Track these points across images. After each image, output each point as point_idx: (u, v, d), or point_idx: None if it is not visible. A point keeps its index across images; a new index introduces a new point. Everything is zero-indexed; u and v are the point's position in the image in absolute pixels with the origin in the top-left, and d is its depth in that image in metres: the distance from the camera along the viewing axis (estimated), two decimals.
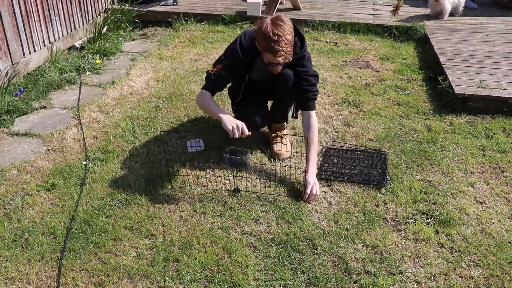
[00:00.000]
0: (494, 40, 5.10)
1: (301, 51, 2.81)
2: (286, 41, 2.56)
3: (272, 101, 3.20)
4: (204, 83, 2.89)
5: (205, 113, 2.84)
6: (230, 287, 2.09)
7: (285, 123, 3.19)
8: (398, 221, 2.50)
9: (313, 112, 2.86)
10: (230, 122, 2.62)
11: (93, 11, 5.52)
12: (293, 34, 2.66)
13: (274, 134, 3.13)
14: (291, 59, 2.69)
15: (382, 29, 5.65)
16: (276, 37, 2.54)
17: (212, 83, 2.85)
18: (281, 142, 3.09)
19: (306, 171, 2.71)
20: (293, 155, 3.07)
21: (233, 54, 2.80)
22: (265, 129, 3.31)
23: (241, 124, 2.61)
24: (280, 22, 2.58)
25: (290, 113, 3.23)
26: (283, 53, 2.58)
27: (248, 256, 2.25)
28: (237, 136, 2.59)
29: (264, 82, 3.02)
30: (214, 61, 2.95)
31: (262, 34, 2.58)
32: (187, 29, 5.78)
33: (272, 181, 2.81)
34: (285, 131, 3.19)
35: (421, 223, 2.48)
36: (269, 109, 3.21)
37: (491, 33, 5.37)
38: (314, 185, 2.64)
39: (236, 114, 3.10)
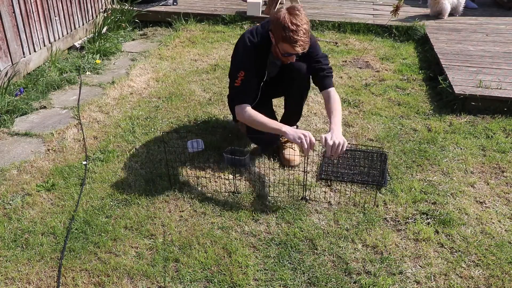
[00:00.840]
0: (494, 40, 5.10)
1: (311, 39, 2.74)
2: (304, 31, 2.53)
3: (284, 101, 3.09)
4: (236, 97, 2.73)
5: (259, 129, 2.70)
6: (230, 287, 2.09)
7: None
8: (398, 221, 2.50)
9: (332, 89, 2.80)
10: (296, 133, 2.50)
11: (93, 11, 5.52)
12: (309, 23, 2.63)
13: (284, 140, 3.04)
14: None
15: (382, 29, 5.65)
16: (295, 27, 2.51)
17: (246, 94, 2.71)
18: (292, 148, 3.01)
19: (330, 126, 2.58)
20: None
21: (250, 54, 2.70)
22: None
23: (308, 134, 2.49)
24: (297, 12, 2.56)
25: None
26: (301, 43, 2.54)
27: (248, 256, 2.25)
28: (306, 146, 2.46)
29: (275, 81, 2.97)
30: (228, 73, 2.87)
31: (281, 25, 2.53)
32: (187, 29, 5.78)
33: (272, 181, 2.81)
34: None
35: (421, 223, 2.48)
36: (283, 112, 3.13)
37: (491, 33, 5.37)
38: (336, 138, 2.47)
39: (248, 130, 2.93)
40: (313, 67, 2.83)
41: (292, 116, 3.11)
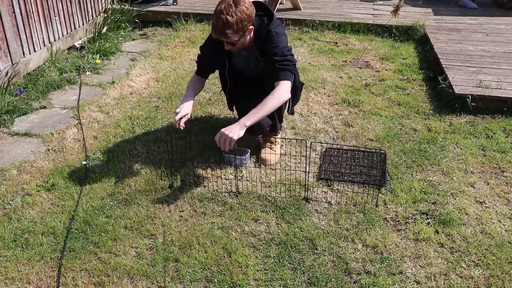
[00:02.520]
0: (494, 40, 5.10)
1: (266, 27, 2.71)
2: (225, 21, 2.53)
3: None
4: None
5: None
6: (230, 287, 2.09)
7: (276, 132, 3.05)
8: (398, 221, 2.50)
9: (281, 83, 2.62)
10: (177, 112, 2.72)
11: (93, 11, 5.52)
12: (249, 16, 2.58)
13: (263, 140, 3.09)
14: (233, 42, 2.63)
15: (382, 29, 5.65)
16: (217, 14, 2.56)
17: (198, 67, 3.00)
18: (270, 148, 3.02)
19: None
20: (293, 155, 3.07)
21: (207, 39, 2.98)
22: None
23: (179, 117, 2.69)
24: (231, 3, 2.55)
25: (285, 111, 3.08)
26: (215, 28, 2.60)
27: (248, 256, 2.25)
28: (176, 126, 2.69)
29: (249, 74, 2.95)
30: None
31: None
32: (187, 29, 5.78)
33: (272, 181, 2.81)
34: (278, 136, 3.09)
35: (421, 223, 2.48)
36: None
37: (491, 33, 5.37)
38: (223, 131, 2.50)
39: (237, 111, 3.14)
40: (268, 60, 2.70)
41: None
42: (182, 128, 2.71)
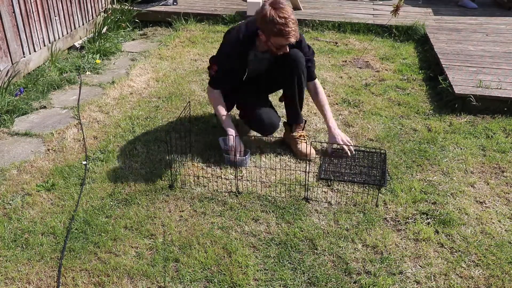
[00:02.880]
0: (494, 40, 5.10)
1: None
2: (293, 21, 2.66)
3: (284, 94, 3.14)
4: (211, 82, 3.06)
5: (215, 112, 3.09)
6: (230, 287, 2.09)
7: (302, 123, 3.17)
8: (398, 221, 2.50)
9: (316, 80, 3.10)
10: (228, 138, 2.88)
11: (93, 11, 5.52)
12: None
13: (297, 135, 3.08)
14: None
15: (382, 29, 5.65)
16: (283, 19, 2.62)
17: (217, 83, 3.03)
18: (306, 143, 3.06)
19: (328, 127, 3.04)
20: (293, 155, 3.07)
21: (231, 52, 2.90)
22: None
23: (238, 149, 2.88)
24: (280, 5, 2.67)
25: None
26: (294, 33, 2.67)
27: (248, 256, 2.25)
28: (231, 159, 2.89)
29: (260, 74, 3.09)
30: (211, 57, 3.12)
31: (269, 21, 2.64)
32: (187, 29, 5.78)
33: (272, 181, 2.81)
34: (304, 133, 3.15)
35: (421, 223, 2.48)
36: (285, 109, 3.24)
37: (491, 33, 5.37)
38: (340, 135, 2.99)
39: (246, 118, 3.18)
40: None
41: (296, 107, 3.10)
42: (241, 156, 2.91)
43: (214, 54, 3.10)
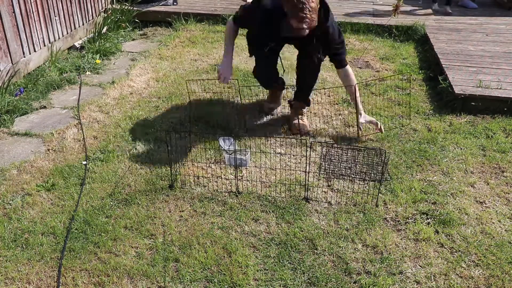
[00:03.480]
0: (494, 40, 5.09)
1: (326, 22, 2.96)
2: (310, 9, 2.70)
3: (297, 78, 3.43)
4: (236, 16, 3.27)
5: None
6: (230, 287, 2.09)
7: (306, 107, 3.44)
8: (398, 221, 2.50)
9: (347, 67, 3.24)
10: (221, 68, 3.22)
11: (93, 11, 5.52)
12: (318, 2, 2.80)
13: (294, 111, 3.40)
14: (315, 26, 2.82)
15: (382, 29, 5.65)
16: (301, 4, 2.68)
17: (239, 21, 3.23)
18: (301, 120, 3.33)
19: (359, 114, 3.25)
20: (293, 155, 3.07)
21: (259, 11, 3.03)
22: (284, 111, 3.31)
23: (223, 76, 3.19)
24: None
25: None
26: (307, 20, 2.72)
27: (248, 256, 2.25)
28: (219, 81, 3.24)
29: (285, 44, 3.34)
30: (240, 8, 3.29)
31: (289, 1, 2.73)
32: (187, 29, 5.78)
33: (272, 181, 2.81)
34: (305, 111, 3.44)
35: (421, 223, 2.48)
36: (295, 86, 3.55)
37: (491, 33, 5.37)
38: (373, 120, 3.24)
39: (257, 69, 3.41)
40: (329, 49, 3.14)
41: (300, 97, 3.44)
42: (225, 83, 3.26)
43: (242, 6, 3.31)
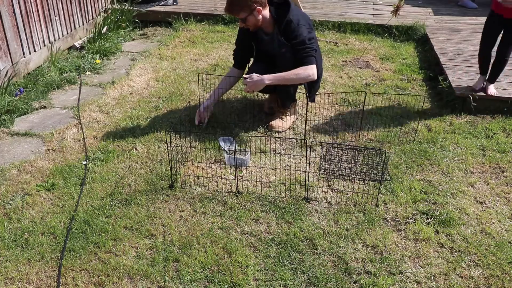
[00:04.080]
0: None
1: (286, 17, 3.12)
2: None
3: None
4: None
5: None
6: (230, 287, 2.09)
7: (288, 108, 3.46)
8: (398, 221, 2.50)
9: (307, 66, 3.12)
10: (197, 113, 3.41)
11: (93, 11, 5.52)
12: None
13: (276, 111, 3.49)
14: (243, 19, 3.11)
15: (382, 29, 5.65)
16: None
17: (234, 61, 3.53)
18: (280, 118, 3.41)
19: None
20: (293, 155, 3.07)
21: (239, 32, 3.42)
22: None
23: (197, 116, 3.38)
24: None
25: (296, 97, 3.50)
26: (227, 6, 3.11)
27: (248, 256, 2.25)
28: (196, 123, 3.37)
29: (271, 55, 3.28)
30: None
31: None
32: (187, 29, 5.78)
33: (272, 181, 2.81)
34: (288, 112, 3.46)
35: (421, 223, 2.48)
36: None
37: None
38: (254, 77, 3.09)
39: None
40: (294, 50, 3.13)
41: (281, 101, 3.47)
42: (200, 124, 3.37)
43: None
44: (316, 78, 3.17)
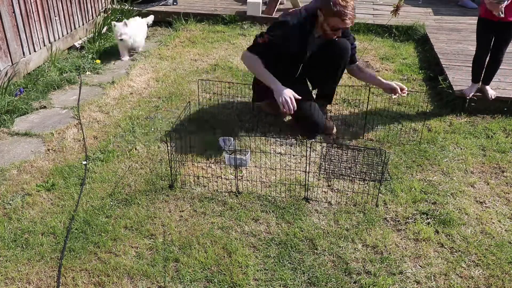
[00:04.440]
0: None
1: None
2: (352, 6, 2.93)
3: (322, 74, 3.38)
4: (253, 47, 3.18)
5: (255, 75, 3.28)
6: (230, 287, 2.09)
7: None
8: (398, 221, 2.50)
9: (358, 63, 3.44)
10: (281, 95, 2.95)
11: (93, 11, 5.52)
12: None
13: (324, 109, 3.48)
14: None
15: (382, 29, 5.65)
16: (345, 2, 2.89)
17: (261, 52, 3.10)
18: (329, 119, 3.40)
19: (382, 82, 3.35)
20: (293, 155, 3.07)
21: (289, 33, 3.04)
22: None
23: (291, 100, 2.94)
24: None
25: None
26: (350, 16, 2.92)
27: (248, 256, 2.25)
28: (285, 111, 2.96)
29: (307, 59, 3.24)
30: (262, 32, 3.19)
31: (331, 1, 2.88)
32: (187, 29, 5.78)
33: (272, 181, 2.81)
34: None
35: (421, 223, 2.48)
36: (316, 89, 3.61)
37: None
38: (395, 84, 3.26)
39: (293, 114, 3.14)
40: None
41: (326, 90, 3.53)
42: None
43: (269, 28, 3.15)
44: None
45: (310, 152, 2.96)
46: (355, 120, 3.56)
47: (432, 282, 2.13)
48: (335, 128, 3.36)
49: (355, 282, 2.12)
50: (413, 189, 2.74)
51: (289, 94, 2.94)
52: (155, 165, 2.96)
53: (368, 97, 3.50)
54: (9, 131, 3.41)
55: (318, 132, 3.29)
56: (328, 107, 3.73)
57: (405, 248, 2.32)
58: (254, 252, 2.29)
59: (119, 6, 5.91)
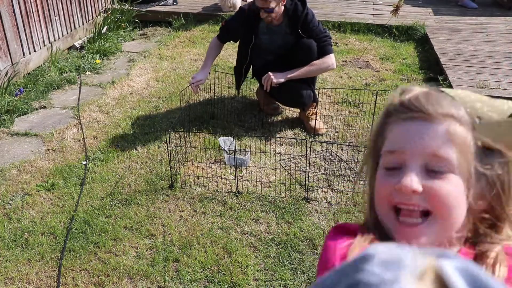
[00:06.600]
0: (494, 40, 5.09)
1: (302, 10, 3.16)
2: None
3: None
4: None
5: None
6: (230, 287, 2.09)
7: (315, 102, 3.43)
8: None
9: (329, 55, 3.21)
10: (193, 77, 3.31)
11: (93, 11, 5.52)
12: None
13: (310, 112, 3.40)
14: (270, 9, 3.06)
15: (382, 29, 5.65)
16: None
17: (221, 33, 3.39)
18: (317, 119, 3.37)
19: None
20: (293, 155, 3.07)
21: (239, 15, 3.32)
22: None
23: (194, 82, 3.26)
24: None
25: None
26: None
27: (248, 256, 2.25)
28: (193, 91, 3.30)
29: (272, 50, 3.32)
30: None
31: None
32: (187, 29, 5.78)
33: (272, 181, 2.81)
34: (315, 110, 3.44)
35: None
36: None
37: (491, 33, 5.36)
38: (269, 75, 3.13)
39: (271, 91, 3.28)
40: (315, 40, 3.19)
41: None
42: (195, 92, 3.30)
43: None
44: (335, 67, 3.30)
45: (310, 152, 2.96)
46: (355, 120, 3.56)
47: None
48: (324, 128, 3.38)
49: None
50: None
51: (195, 78, 3.27)
52: (155, 165, 2.96)
53: (376, 98, 3.49)
54: (9, 131, 3.41)
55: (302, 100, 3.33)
56: (328, 107, 3.73)
57: None
58: (254, 252, 2.29)
59: (119, 6, 5.91)
